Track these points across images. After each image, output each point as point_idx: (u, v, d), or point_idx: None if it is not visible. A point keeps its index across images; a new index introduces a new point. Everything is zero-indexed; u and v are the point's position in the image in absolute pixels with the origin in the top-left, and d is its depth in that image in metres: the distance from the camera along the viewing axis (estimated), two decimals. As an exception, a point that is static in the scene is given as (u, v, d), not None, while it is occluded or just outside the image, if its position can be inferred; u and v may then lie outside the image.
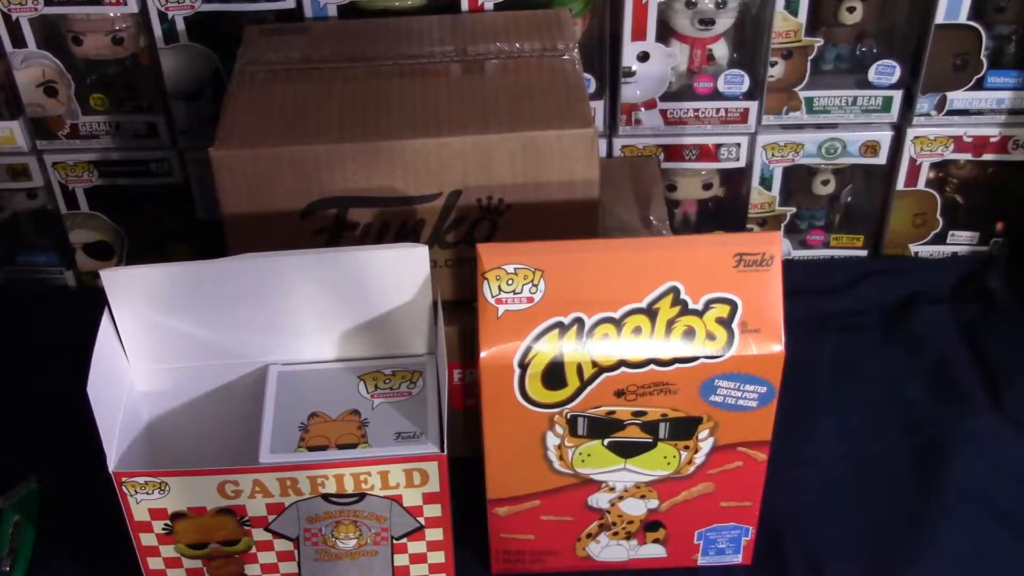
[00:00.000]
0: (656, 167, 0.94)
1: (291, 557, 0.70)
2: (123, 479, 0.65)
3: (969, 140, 0.96)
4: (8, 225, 1.01)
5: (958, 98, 0.94)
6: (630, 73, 0.93)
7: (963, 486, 0.81)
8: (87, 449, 0.85)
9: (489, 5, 0.90)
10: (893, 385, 0.90)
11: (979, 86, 0.93)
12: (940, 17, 0.90)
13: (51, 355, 0.94)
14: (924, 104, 0.94)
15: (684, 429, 0.67)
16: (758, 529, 0.74)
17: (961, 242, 1.02)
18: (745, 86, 0.94)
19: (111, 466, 0.65)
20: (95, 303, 1.00)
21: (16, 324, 0.98)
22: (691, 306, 0.64)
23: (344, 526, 0.69)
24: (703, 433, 0.68)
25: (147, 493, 0.66)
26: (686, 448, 0.68)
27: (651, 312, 0.64)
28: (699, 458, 0.69)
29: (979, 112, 0.95)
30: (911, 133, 0.96)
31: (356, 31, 0.87)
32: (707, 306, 0.64)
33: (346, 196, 0.76)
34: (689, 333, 0.64)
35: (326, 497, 0.67)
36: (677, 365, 0.64)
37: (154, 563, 0.70)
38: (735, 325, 0.64)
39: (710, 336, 0.64)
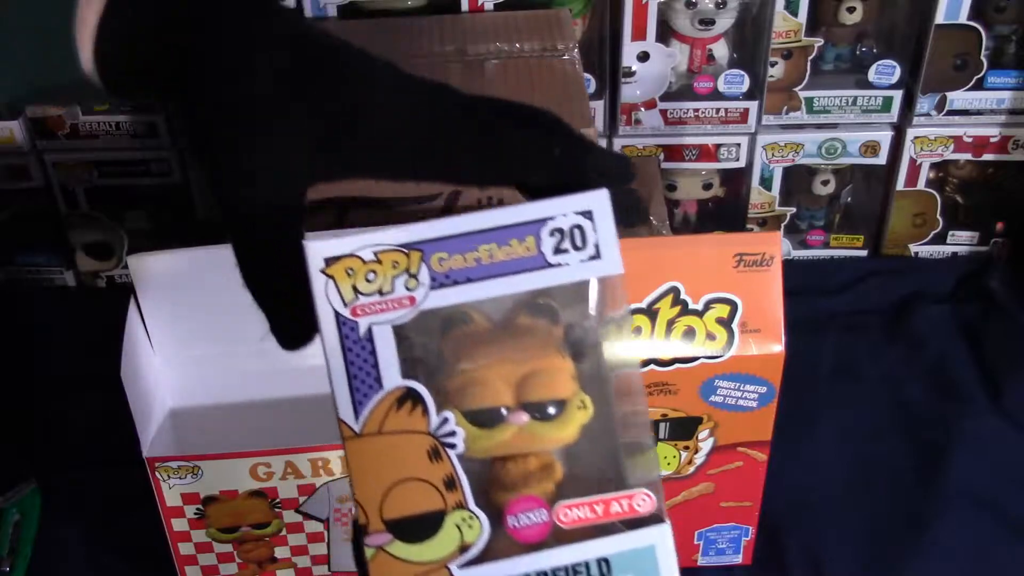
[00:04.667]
0: (656, 167, 0.94)
1: (321, 539, 0.71)
2: (156, 464, 0.65)
3: (969, 140, 0.96)
4: (8, 225, 1.01)
5: (958, 98, 0.94)
6: (630, 73, 0.93)
7: (963, 486, 0.81)
8: (87, 448, 0.85)
9: (489, 5, 0.90)
10: (893, 385, 0.90)
11: (979, 86, 0.93)
12: (940, 17, 0.90)
13: (51, 355, 0.94)
14: (924, 104, 0.94)
15: (684, 429, 0.67)
16: (758, 529, 0.74)
17: (961, 242, 1.02)
18: (745, 86, 0.94)
19: (144, 452, 0.65)
20: (95, 303, 1.01)
21: (16, 324, 0.98)
22: (691, 306, 0.64)
23: None
24: (703, 433, 0.68)
25: (180, 478, 0.66)
26: (686, 448, 0.68)
27: (651, 312, 0.64)
28: (699, 458, 0.69)
29: (979, 112, 0.95)
30: (911, 133, 0.96)
31: (356, 31, 0.87)
32: (707, 306, 0.64)
33: (346, 197, 0.76)
34: (689, 333, 0.64)
35: None
36: (677, 365, 0.64)
37: (185, 548, 0.70)
38: (735, 325, 0.64)
39: (710, 336, 0.64)
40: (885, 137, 0.96)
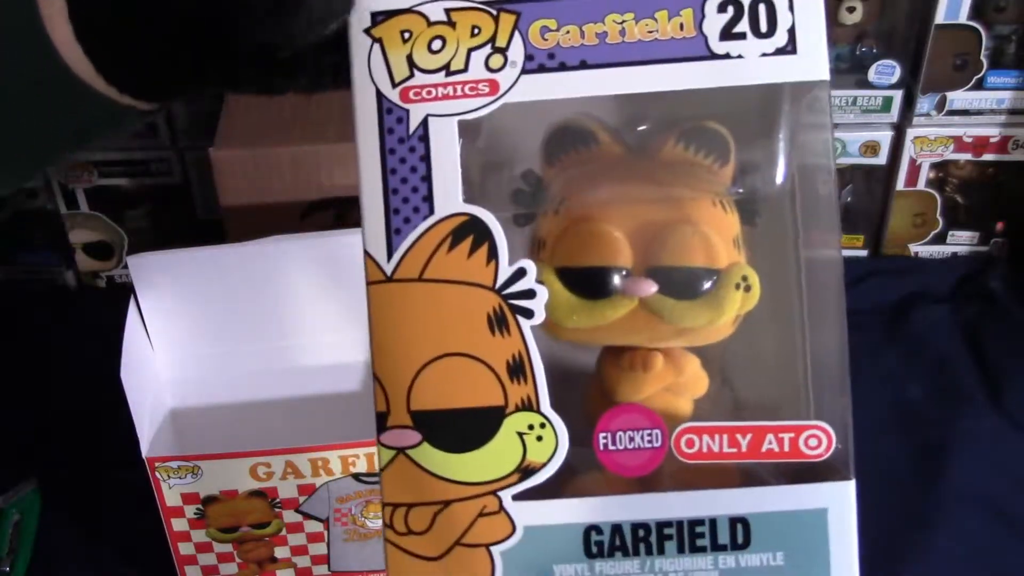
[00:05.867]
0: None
1: (320, 539, 0.71)
2: (156, 464, 0.65)
3: (969, 140, 0.96)
4: (8, 225, 1.01)
5: (958, 98, 0.94)
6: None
7: (963, 486, 0.81)
8: (87, 448, 0.85)
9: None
10: (893, 385, 0.89)
11: (979, 86, 0.93)
12: (940, 17, 0.90)
13: (51, 355, 0.94)
14: (924, 104, 0.94)
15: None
16: (758, 529, 0.74)
17: (961, 242, 1.02)
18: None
19: (144, 452, 0.65)
20: (95, 303, 1.01)
21: (16, 324, 0.98)
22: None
23: (374, 505, 0.69)
24: (703, 433, 0.67)
25: (180, 477, 0.66)
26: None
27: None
28: (699, 458, 0.68)
29: (979, 112, 0.95)
30: (911, 133, 0.95)
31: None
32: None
33: (346, 197, 0.76)
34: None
35: (356, 476, 0.67)
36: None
37: (185, 548, 0.70)
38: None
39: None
40: (885, 137, 0.96)
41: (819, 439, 0.29)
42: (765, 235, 0.30)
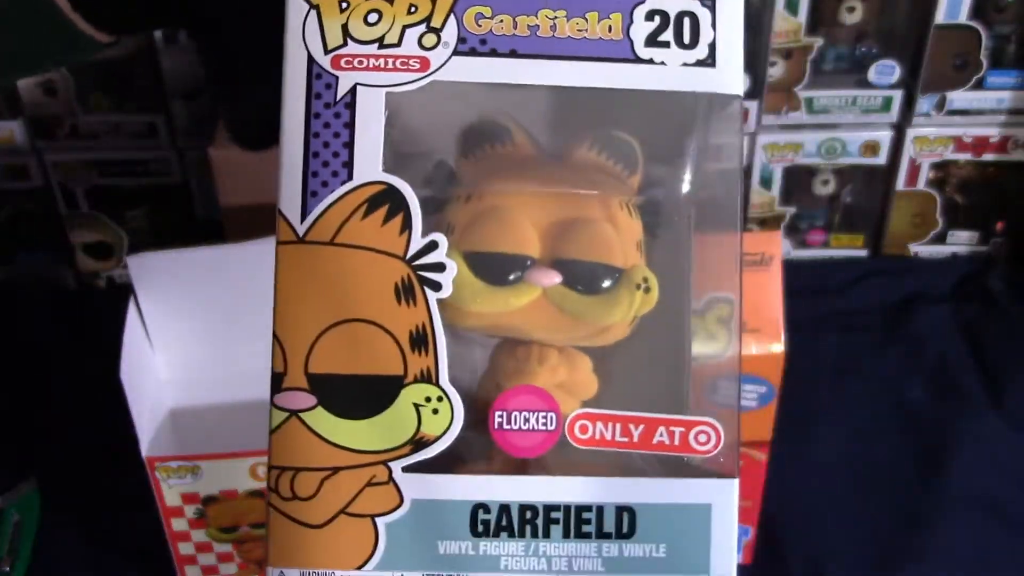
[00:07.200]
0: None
1: None
2: (156, 464, 0.65)
3: (969, 140, 0.96)
4: (8, 225, 1.01)
5: (958, 98, 0.94)
6: (630, 73, 0.93)
7: (963, 486, 0.81)
8: (87, 448, 0.85)
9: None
10: (893, 385, 0.90)
11: (979, 86, 0.93)
12: (940, 17, 0.90)
13: (51, 355, 0.94)
14: (924, 104, 0.94)
15: (684, 429, 0.67)
16: (758, 529, 0.74)
17: (961, 242, 1.02)
18: (745, 86, 0.94)
19: (143, 451, 0.65)
20: (95, 303, 1.01)
21: (16, 324, 0.98)
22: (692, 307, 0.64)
23: None
24: (703, 433, 0.67)
25: (180, 477, 0.66)
26: (686, 448, 0.68)
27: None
28: (699, 458, 0.68)
29: (979, 112, 0.95)
30: (911, 133, 0.96)
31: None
32: (707, 306, 0.64)
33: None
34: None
35: None
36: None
37: (185, 548, 0.70)
38: (734, 325, 0.64)
39: (710, 336, 0.64)
40: (885, 137, 0.96)
41: (708, 435, 0.30)
42: (665, 245, 0.32)
